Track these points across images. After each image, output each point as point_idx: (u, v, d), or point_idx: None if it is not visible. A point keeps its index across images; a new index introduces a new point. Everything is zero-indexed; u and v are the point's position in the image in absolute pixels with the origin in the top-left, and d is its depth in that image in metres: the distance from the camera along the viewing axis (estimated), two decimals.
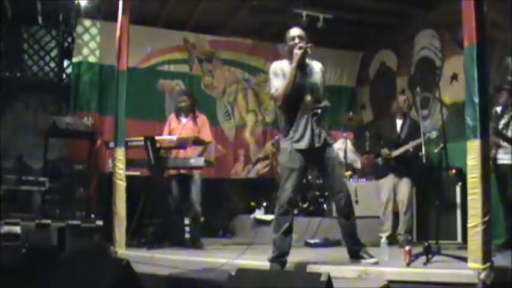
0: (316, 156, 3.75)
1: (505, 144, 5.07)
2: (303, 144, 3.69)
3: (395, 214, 5.62)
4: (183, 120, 5.62)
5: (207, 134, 5.61)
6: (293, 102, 3.73)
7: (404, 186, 5.53)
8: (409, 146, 5.43)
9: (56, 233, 5.30)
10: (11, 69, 7.43)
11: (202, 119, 5.70)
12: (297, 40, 3.75)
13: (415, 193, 5.96)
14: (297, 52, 3.66)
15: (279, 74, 3.77)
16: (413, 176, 5.57)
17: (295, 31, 3.82)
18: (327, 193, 6.34)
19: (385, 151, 5.67)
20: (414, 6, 6.99)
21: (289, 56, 3.79)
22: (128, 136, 5.15)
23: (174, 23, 7.54)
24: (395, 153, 5.57)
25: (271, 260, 3.66)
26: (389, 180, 5.64)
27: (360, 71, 8.63)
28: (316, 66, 3.90)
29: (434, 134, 5.18)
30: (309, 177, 6.63)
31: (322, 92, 3.86)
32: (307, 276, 2.90)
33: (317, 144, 3.71)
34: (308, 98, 3.74)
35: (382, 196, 5.67)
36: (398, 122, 5.72)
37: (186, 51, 7.73)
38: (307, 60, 3.82)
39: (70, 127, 6.21)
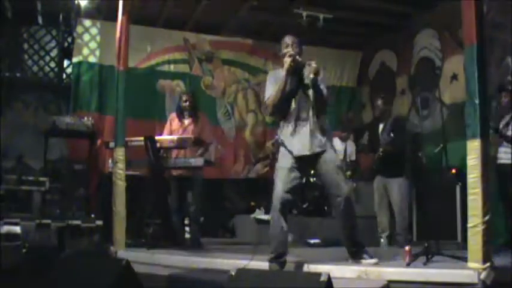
0: (310, 160, 3.75)
1: (505, 143, 5.07)
2: (295, 151, 3.70)
3: (393, 214, 5.63)
4: (185, 121, 5.60)
5: (207, 135, 5.61)
6: (286, 109, 3.74)
7: (394, 187, 5.53)
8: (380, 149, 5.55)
9: (56, 233, 5.30)
10: (11, 69, 7.44)
11: (202, 119, 5.69)
12: (289, 48, 3.77)
13: (415, 193, 5.94)
14: (286, 60, 3.68)
15: (273, 82, 3.79)
16: (404, 176, 5.59)
17: (287, 39, 3.83)
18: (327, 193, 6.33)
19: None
20: (414, 6, 6.99)
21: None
22: (128, 136, 5.15)
23: (174, 23, 7.54)
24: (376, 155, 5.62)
25: (270, 261, 3.65)
26: (377, 182, 5.68)
27: (360, 71, 8.62)
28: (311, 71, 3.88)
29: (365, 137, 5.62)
30: (310, 178, 6.63)
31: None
32: (307, 276, 2.90)
33: (307, 152, 3.69)
34: (301, 104, 3.73)
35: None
36: (381, 126, 5.75)
37: (186, 51, 7.73)
38: (306, 66, 3.80)
39: (70, 127, 6.22)
